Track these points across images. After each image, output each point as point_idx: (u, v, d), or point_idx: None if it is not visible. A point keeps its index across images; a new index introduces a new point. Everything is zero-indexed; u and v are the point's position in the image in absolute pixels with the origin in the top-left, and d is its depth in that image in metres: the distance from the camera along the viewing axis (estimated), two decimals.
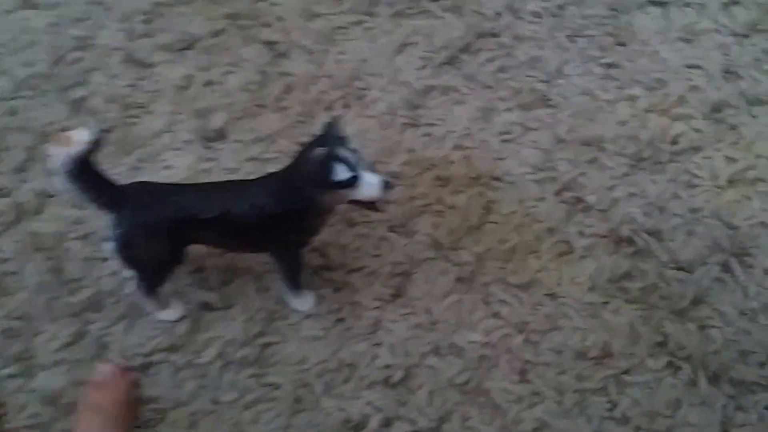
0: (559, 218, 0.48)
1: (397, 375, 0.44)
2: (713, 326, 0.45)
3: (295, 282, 0.46)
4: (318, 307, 0.46)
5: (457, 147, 0.51)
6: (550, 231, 0.48)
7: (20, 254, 0.47)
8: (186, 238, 0.44)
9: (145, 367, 0.46)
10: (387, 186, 0.39)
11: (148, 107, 0.53)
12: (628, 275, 0.47)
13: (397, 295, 0.46)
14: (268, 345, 0.45)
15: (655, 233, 0.48)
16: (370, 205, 0.40)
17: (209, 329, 0.45)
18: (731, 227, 0.48)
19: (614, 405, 0.44)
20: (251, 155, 0.50)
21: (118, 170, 0.50)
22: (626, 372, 0.45)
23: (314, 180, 0.38)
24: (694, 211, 0.49)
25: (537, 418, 0.44)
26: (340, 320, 0.46)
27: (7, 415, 0.45)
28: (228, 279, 0.50)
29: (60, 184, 0.37)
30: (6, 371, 0.45)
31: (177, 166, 0.51)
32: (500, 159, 0.50)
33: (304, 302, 0.46)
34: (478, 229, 0.48)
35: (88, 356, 0.46)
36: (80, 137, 0.36)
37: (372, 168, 0.40)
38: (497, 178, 0.50)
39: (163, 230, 0.41)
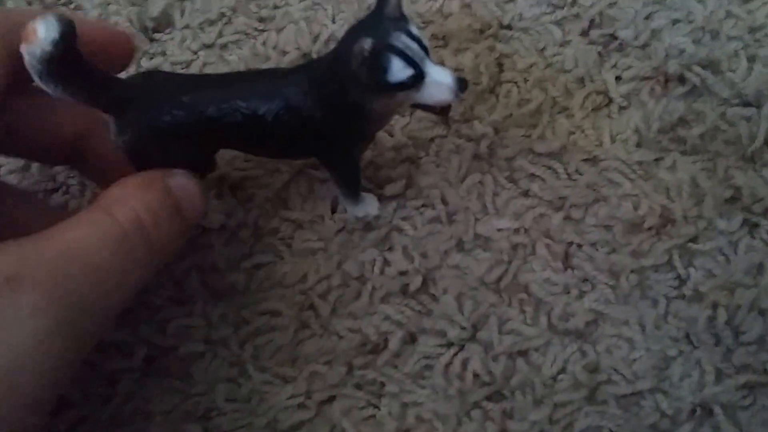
0: (590, 64, 0.38)
1: (416, 281, 0.35)
2: None
3: (353, 190, 0.36)
4: (312, 212, 0.37)
5: None
6: (580, 81, 0.38)
7: None
8: (209, 144, 0.32)
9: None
10: (461, 86, 0.28)
11: (75, 2, 0.43)
12: (682, 121, 0.37)
13: (405, 186, 0.37)
14: (258, 267, 0.37)
15: (710, 65, 0.38)
16: (439, 109, 0.31)
17: (183, 260, 0.37)
18: None
19: (683, 281, 0.36)
20: (204, 42, 0.40)
21: None
22: (693, 239, 0.36)
23: (362, 81, 0.28)
24: (754, 30, 0.38)
25: (590, 309, 0.36)
26: (341, 229, 0.37)
27: None
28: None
29: (47, 88, 0.28)
30: None
31: None
32: (509, 2, 0.40)
33: (366, 207, 0.37)
34: (492, 93, 0.38)
35: None
36: (43, 33, 0.26)
37: (438, 61, 0.30)
38: (508, 26, 0.40)
39: (180, 135, 0.30)
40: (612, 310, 0.35)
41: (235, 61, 0.40)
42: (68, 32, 0.25)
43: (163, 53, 0.40)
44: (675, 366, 0.34)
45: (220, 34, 0.40)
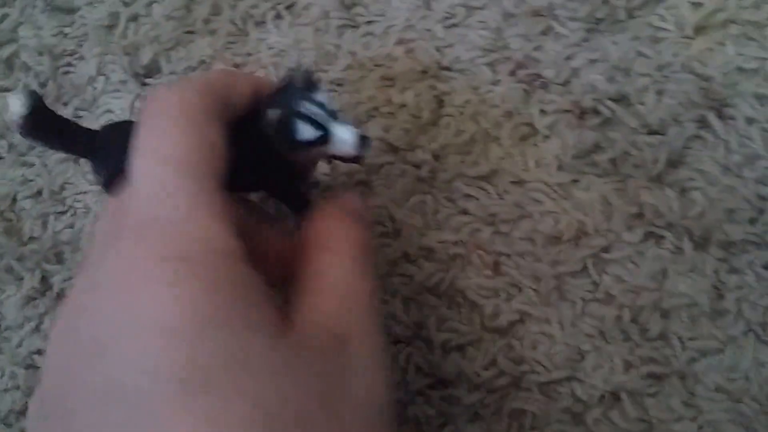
0: (518, 99, 0.43)
1: None
2: (694, 188, 0.41)
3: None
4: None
5: (400, 42, 0.45)
6: (509, 115, 0.43)
7: None
8: None
9: None
10: (363, 142, 0.32)
11: (78, 53, 0.49)
12: (596, 148, 0.42)
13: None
14: None
15: (621, 99, 0.42)
16: (348, 159, 0.34)
17: None
18: (705, 78, 0.42)
19: (596, 285, 0.40)
20: None
21: None
22: (605, 250, 0.41)
23: (276, 142, 0.32)
24: (661, 68, 0.42)
25: (516, 310, 0.40)
26: None
27: None
28: None
29: (32, 143, 0.33)
30: None
31: (116, 109, 0.46)
32: (447, 47, 0.45)
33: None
34: (433, 125, 0.43)
35: (52, 308, 0.44)
36: (15, 107, 0.32)
37: (346, 119, 0.32)
38: (446, 68, 0.44)
39: None
40: (536, 310, 0.40)
41: None
42: (35, 103, 0.30)
43: None
44: (589, 358, 0.39)
45: None
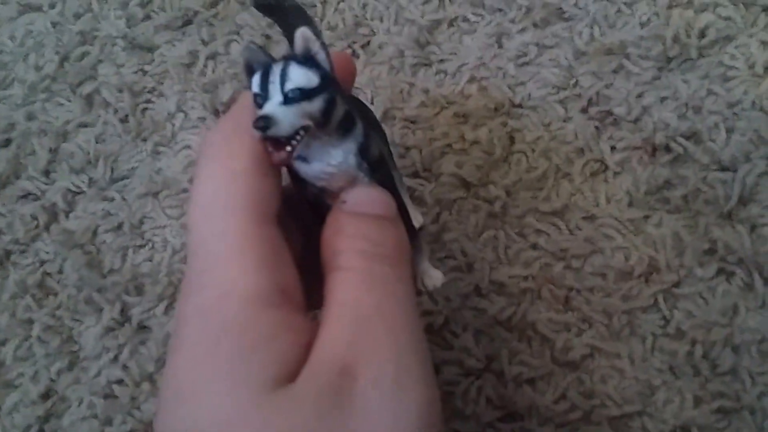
0: (589, 136, 0.49)
1: (439, 320, 0.47)
2: (765, 224, 0.46)
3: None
4: None
5: (472, 79, 0.52)
6: (580, 151, 0.49)
7: (58, 254, 0.53)
8: None
9: None
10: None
11: (158, 90, 0.57)
12: (667, 184, 0.48)
13: (432, 241, 0.49)
14: None
15: (692, 136, 0.48)
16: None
17: None
18: None
19: (667, 321, 0.46)
20: None
21: (138, 157, 0.55)
22: (676, 285, 0.46)
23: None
24: (732, 105, 0.48)
25: (587, 344, 0.46)
26: None
27: (69, 409, 0.52)
28: None
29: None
30: (56, 366, 0.52)
31: (195, 145, 0.55)
32: (519, 84, 0.52)
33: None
34: (505, 161, 0.50)
35: (131, 339, 0.51)
36: None
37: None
38: (518, 105, 0.51)
39: None
40: (606, 345, 0.45)
41: None
42: None
43: None
44: (659, 393, 0.44)
45: None
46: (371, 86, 0.53)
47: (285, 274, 0.28)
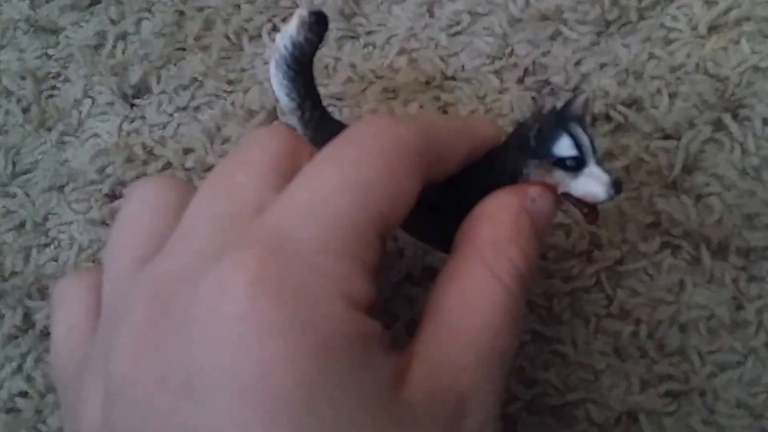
0: (525, 108, 0.50)
1: None
2: (711, 194, 0.46)
3: None
4: None
5: (402, 52, 0.53)
6: (517, 124, 0.51)
7: None
8: None
9: None
10: (616, 188, 0.35)
11: (63, 75, 0.58)
12: (609, 155, 0.48)
13: None
14: None
15: (633, 103, 0.49)
16: (585, 207, 0.36)
17: None
18: (720, 79, 0.49)
19: (610, 300, 0.46)
20: (179, 105, 0.54)
21: (42, 149, 0.55)
22: (619, 262, 0.46)
23: (528, 145, 0.34)
24: (674, 69, 0.49)
25: (527, 330, 0.47)
26: None
27: None
28: None
29: (277, 80, 0.42)
30: None
31: (103, 133, 0.55)
32: (452, 55, 0.52)
33: None
34: None
35: (35, 347, 0.50)
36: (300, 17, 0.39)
37: (604, 164, 0.35)
38: (451, 78, 0.52)
39: None
40: (547, 329, 0.47)
41: (207, 120, 0.54)
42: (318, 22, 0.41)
43: (143, 117, 0.55)
44: (604, 378, 0.45)
45: (193, 97, 0.55)
46: None
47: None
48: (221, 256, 0.25)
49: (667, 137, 0.49)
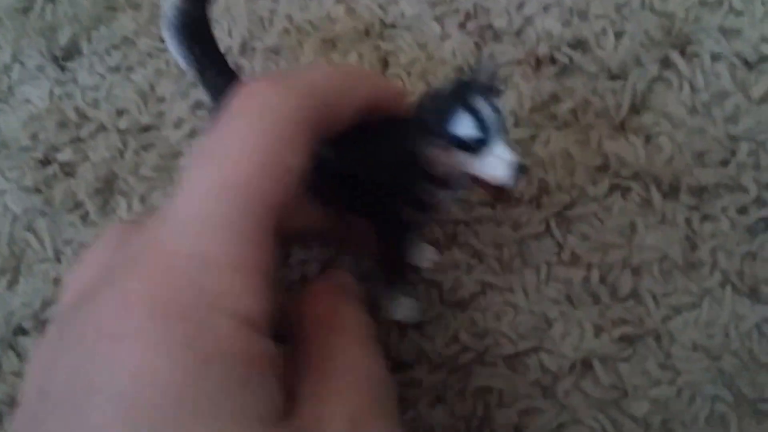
0: (468, 53, 0.49)
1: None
2: (660, 133, 0.45)
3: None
4: None
5: (339, 0, 0.51)
6: (460, 70, 0.49)
7: None
8: None
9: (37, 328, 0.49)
10: (519, 170, 0.32)
11: None
12: (554, 99, 0.46)
13: None
14: None
15: (578, 44, 0.47)
16: (492, 188, 0.34)
17: None
18: (666, 15, 0.47)
19: (561, 247, 0.45)
20: (111, 65, 0.52)
21: None
22: (568, 207, 0.45)
23: (423, 123, 0.32)
24: (619, 7, 0.47)
25: (477, 281, 0.46)
26: None
27: None
28: None
29: (172, 46, 0.39)
30: None
31: (35, 98, 0.53)
32: (391, 3, 0.50)
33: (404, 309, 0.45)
34: None
35: None
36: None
37: (510, 143, 0.32)
38: (391, 25, 0.50)
39: None
40: (498, 279, 0.45)
41: (140, 80, 0.52)
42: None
43: (74, 80, 0.53)
44: (556, 326, 0.44)
45: (125, 57, 0.53)
46: (227, 16, 0.51)
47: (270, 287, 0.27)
48: (113, 282, 0.25)
49: (614, 77, 0.47)
